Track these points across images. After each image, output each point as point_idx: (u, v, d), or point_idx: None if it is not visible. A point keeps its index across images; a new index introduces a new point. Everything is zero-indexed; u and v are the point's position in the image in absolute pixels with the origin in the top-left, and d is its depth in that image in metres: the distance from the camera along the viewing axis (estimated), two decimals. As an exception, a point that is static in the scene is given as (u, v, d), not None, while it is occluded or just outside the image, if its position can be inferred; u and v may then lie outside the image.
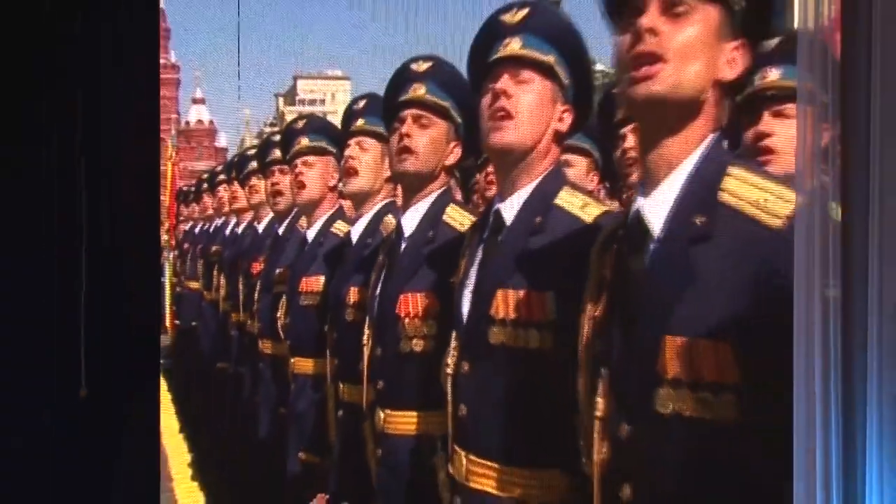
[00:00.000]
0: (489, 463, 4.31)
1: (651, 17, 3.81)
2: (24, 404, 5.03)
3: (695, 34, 3.81)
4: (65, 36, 5.20)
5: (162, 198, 5.36)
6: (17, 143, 5.10)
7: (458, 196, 5.21)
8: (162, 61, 5.72)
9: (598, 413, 3.95)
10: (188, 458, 5.48)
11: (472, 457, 4.35)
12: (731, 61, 3.83)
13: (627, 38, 3.87)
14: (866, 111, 3.60)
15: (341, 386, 5.18)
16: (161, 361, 5.50)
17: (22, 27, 5.13)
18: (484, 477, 4.32)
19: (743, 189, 3.79)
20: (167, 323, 5.32)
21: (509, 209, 4.40)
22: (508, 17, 4.43)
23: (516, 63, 4.38)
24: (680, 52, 3.82)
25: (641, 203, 3.89)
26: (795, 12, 3.84)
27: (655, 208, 3.84)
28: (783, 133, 4.39)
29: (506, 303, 4.33)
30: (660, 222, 3.84)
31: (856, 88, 3.55)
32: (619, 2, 3.92)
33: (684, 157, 3.84)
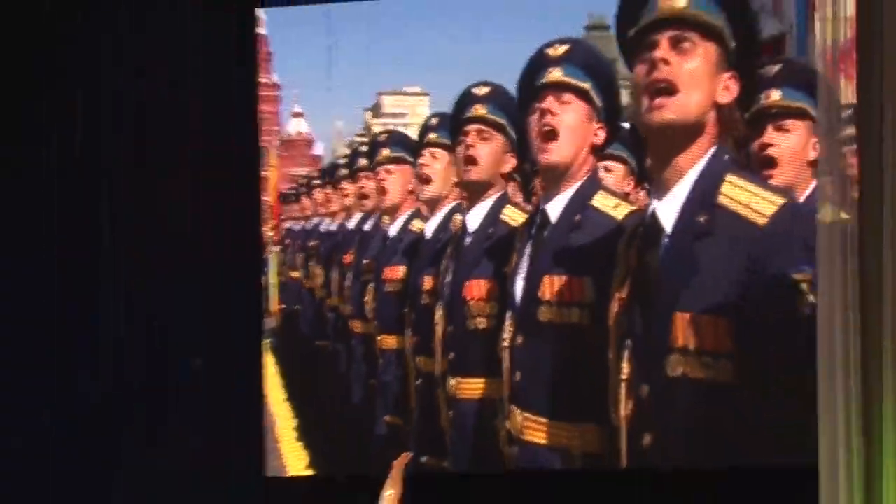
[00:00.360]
0: (539, 419, 5.29)
1: (663, 51, 4.76)
2: (161, 368, 6.07)
3: (698, 66, 4.74)
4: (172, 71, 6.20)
5: (267, 199, 6.18)
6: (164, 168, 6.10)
7: (519, 197, 6.12)
8: (264, 80, 6.41)
9: (624, 376, 4.90)
10: (293, 423, 6.38)
11: (525, 414, 5.32)
12: (726, 88, 4.75)
13: (643, 69, 4.81)
14: (880, 123, 4.44)
15: (419, 359, 6.15)
16: (268, 340, 6.45)
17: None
18: (535, 430, 5.30)
19: (736, 193, 4.70)
20: (273, 307, 6.08)
21: (554, 209, 5.33)
22: (552, 51, 5.38)
23: (559, 88, 5.32)
24: (687, 81, 4.74)
25: (656, 205, 4.80)
26: (816, 33, 4.70)
27: (667, 210, 4.77)
28: (784, 143, 5.22)
29: (552, 287, 5.29)
30: (671, 221, 4.77)
31: (870, 103, 4.41)
32: (635, 41, 4.83)
33: (689, 167, 4.75)
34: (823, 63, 4.63)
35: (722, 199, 4.74)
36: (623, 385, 4.95)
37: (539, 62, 5.42)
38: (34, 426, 6.23)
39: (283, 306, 6.67)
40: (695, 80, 4.76)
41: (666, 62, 4.77)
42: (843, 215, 4.44)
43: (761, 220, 4.66)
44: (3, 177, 6.33)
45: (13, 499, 6.04)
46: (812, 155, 5.09)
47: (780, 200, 4.68)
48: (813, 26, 4.95)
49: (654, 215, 4.84)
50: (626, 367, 4.97)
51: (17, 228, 6.36)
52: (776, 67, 5.26)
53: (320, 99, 6.64)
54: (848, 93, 4.59)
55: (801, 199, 5.04)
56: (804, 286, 4.55)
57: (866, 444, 4.39)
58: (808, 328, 4.46)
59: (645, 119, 4.84)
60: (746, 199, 4.70)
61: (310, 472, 6.38)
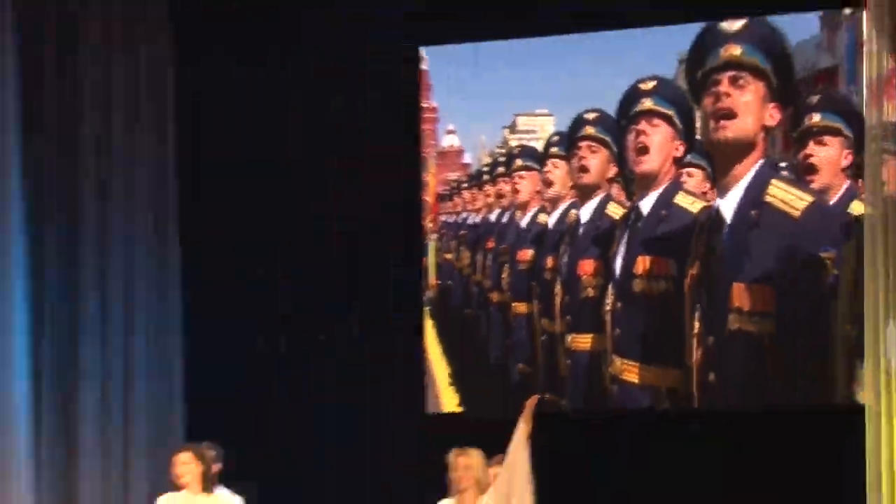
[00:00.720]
0: (633, 363, 7.01)
1: (725, 86, 6.47)
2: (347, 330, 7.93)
3: (751, 98, 6.40)
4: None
5: (427, 198, 7.85)
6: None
7: (622, 196, 7.75)
8: (425, 105, 7.99)
9: (695, 331, 6.62)
10: (447, 371, 8.03)
11: (623, 360, 7.06)
12: (771, 115, 6.41)
13: (710, 100, 6.51)
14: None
15: (543, 321, 7.91)
16: (428, 308, 8.29)
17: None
18: (630, 372, 7.04)
19: (779, 193, 6.35)
20: (431, 282, 7.57)
21: (646, 206, 7.08)
22: (643, 86, 7.04)
23: (650, 114, 6.99)
24: (742, 109, 6.42)
25: (719, 203, 6.50)
26: (864, 64, 6.17)
27: (727, 206, 6.46)
28: (822, 154, 6.77)
29: (643, 265, 7.02)
30: (730, 215, 6.45)
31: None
32: (702, 80, 6.53)
33: (744, 174, 6.47)
34: (869, 88, 6.08)
35: (768, 199, 6.44)
36: (695, 337, 6.67)
37: (633, 94, 7.12)
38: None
39: (439, 282, 8.43)
40: (748, 108, 6.44)
41: (728, 95, 6.48)
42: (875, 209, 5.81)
43: (796, 214, 6.33)
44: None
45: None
46: (844, 163, 6.64)
47: (809, 199, 6.37)
48: (861, 58, 6.52)
49: (718, 211, 6.53)
50: (697, 324, 6.68)
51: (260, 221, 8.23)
52: (817, 97, 6.83)
53: (468, 119, 8.37)
54: (889, 110, 6.04)
55: (836, 197, 6.63)
56: (828, 262, 6.22)
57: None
58: (831, 294, 6.12)
59: (711, 138, 6.53)
60: (785, 197, 6.35)
61: (459, 410, 8.14)
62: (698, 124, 6.89)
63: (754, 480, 6.93)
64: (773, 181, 6.43)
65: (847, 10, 6.98)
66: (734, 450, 6.95)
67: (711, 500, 7.00)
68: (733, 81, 6.46)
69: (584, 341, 7.47)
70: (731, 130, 6.46)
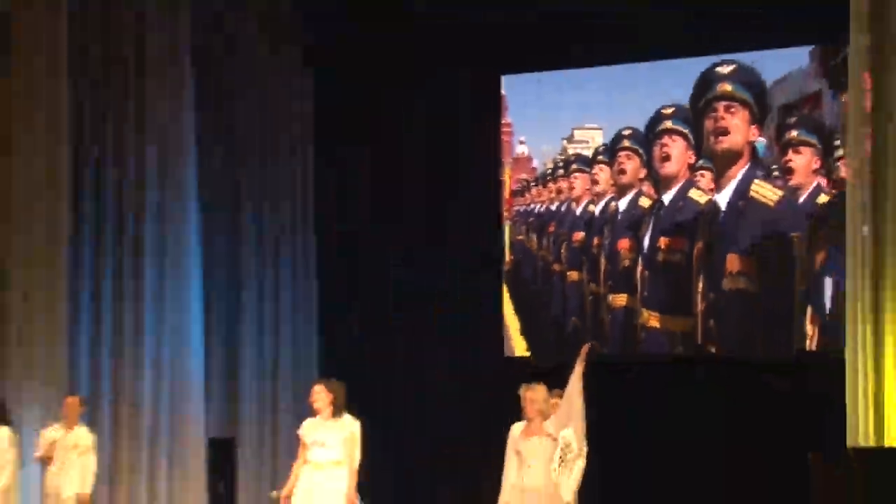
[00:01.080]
0: (656, 313, 9.44)
1: (721, 112, 8.90)
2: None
3: (738, 121, 8.83)
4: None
5: (504, 193, 9.94)
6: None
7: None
8: (504, 121, 9.92)
9: (700, 289, 9.09)
10: (518, 327, 10.31)
11: (649, 311, 9.49)
12: (753, 134, 8.84)
13: (710, 122, 8.93)
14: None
15: (591, 285, 10.41)
16: (505, 279, 10.65)
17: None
18: (654, 320, 9.47)
19: (759, 189, 8.80)
20: (507, 258, 9.53)
21: (667, 198, 9.47)
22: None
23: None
24: (733, 129, 8.84)
25: (717, 197, 8.93)
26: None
27: (723, 199, 8.90)
28: (798, 160, 9.07)
29: (665, 242, 9.50)
30: (725, 204, 8.88)
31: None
32: (704, 107, 8.97)
33: (735, 175, 8.89)
34: (853, 104, 7.80)
35: (751, 193, 8.86)
36: (700, 294, 9.11)
37: (658, 117, 9.52)
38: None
39: (513, 257, 10.83)
40: (738, 128, 8.88)
41: (723, 118, 8.93)
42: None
43: (771, 204, 8.75)
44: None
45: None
46: (815, 166, 8.97)
47: (781, 193, 8.76)
48: (838, 82, 8.68)
49: (716, 202, 8.98)
50: (701, 284, 9.13)
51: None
52: (794, 118, 9.16)
53: (535, 132, 10.80)
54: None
55: (806, 193, 8.98)
56: (795, 240, 8.63)
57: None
58: (799, 264, 8.57)
59: (712, 149, 8.98)
60: (764, 192, 8.78)
61: (527, 354, 10.56)
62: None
63: (747, 420, 9.15)
64: (756, 181, 8.87)
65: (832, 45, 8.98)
66: (733, 393, 9.24)
67: (713, 431, 9.27)
68: (727, 109, 8.92)
69: (620, 300, 9.88)
70: (726, 143, 8.91)
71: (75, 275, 10.01)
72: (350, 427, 7.89)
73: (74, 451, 9.05)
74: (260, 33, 10.92)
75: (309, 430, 7.93)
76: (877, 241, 7.05)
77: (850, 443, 7.11)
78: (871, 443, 7.06)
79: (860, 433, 7.09)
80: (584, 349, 7.07)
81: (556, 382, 7.26)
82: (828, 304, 8.68)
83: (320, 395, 7.89)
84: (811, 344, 8.90)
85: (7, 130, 9.71)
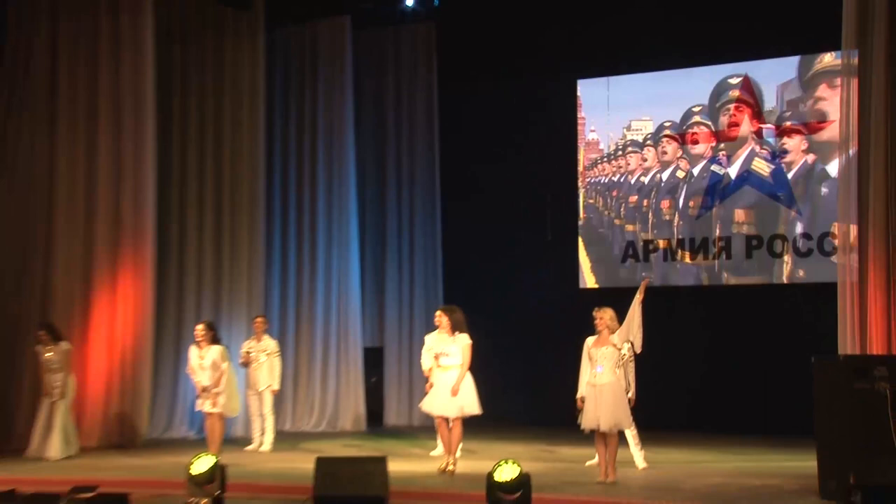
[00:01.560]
0: (686, 252, 13.19)
1: (732, 110, 12.67)
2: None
3: (745, 117, 12.62)
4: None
5: (579, 168, 13.02)
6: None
7: (764, 153, 13.92)
8: (579, 116, 12.64)
9: (717, 234, 12.77)
10: (589, 263, 13.95)
11: (682, 251, 13.24)
12: (754, 125, 12.52)
13: (725, 118, 12.65)
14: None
15: (643, 234, 14.02)
16: (580, 232, 14.19)
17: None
18: (685, 257, 13.22)
19: (758, 164, 12.57)
20: (581, 216, 12.65)
21: (695, 170, 13.24)
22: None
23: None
24: (742, 122, 12.59)
25: (729, 169, 12.68)
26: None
27: (733, 171, 12.67)
28: (790, 143, 12.63)
29: (695, 201, 13.18)
30: (734, 175, 12.65)
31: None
32: (720, 108, 12.69)
33: (741, 154, 12.73)
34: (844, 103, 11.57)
35: (753, 167, 12.63)
36: (717, 238, 12.82)
37: (688, 113, 13.22)
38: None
39: (586, 216, 14.42)
40: (745, 122, 12.62)
41: (734, 115, 12.69)
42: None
43: (766, 175, 12.50)
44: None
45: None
46: (803, 148, 12.62)
47: (773, 165, 12.44)
48: (827, 85, 12.42)
49: (728, 173, 12.73)
50: (717, 231, 12.86)
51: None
52: (789, 112, 12.80)
53: (602, 123, 14.41)
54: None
55: (796, 168, 12.62)
56: (781, 197, 12.35)
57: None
58: (781, 214, 12.28)
59: (727, 136, 12.69)
60: (761, 166, 12.52)
61: (597, 286, 14.05)
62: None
63: (754, 329, 12.75)
64: (756, 159, 12.62)
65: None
66: (740, 311, 12.87)
67: (729, 338, 12.86)
68: (737, 108, 12.64)
69: (663, 243, 13.56)
70: (737, 132, 12.64)
71: (268, 231, 14.01)
72: (464, 342, 9.56)
73: (264, 355, 11.57)
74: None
75: (435, 343, 9.79)
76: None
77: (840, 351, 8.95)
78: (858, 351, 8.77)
79: (848, 344, 8.83)
80: (644, 283, 9.18)
81: (618, 307, 9.31)
82: (800, 242, 12.39)
83: (442, 319, 9.65)
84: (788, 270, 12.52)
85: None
